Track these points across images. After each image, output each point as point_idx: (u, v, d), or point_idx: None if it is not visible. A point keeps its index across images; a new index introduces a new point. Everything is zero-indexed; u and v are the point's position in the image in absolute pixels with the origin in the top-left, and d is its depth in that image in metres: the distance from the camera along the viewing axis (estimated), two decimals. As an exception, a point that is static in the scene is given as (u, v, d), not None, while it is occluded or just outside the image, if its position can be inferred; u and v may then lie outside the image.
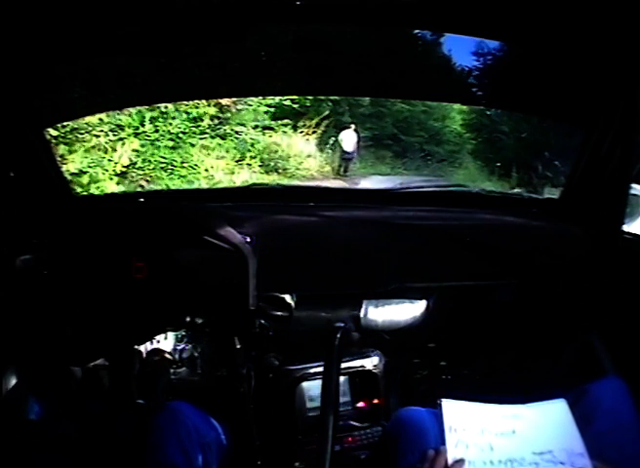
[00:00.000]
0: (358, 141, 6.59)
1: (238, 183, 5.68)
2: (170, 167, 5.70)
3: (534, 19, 1.05)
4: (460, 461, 0.83)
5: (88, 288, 1.18)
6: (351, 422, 1.22)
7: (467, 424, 0.89)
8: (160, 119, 5.70)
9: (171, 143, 5.76)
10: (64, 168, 4.18)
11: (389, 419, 1.08)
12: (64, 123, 4.57)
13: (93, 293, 1.18)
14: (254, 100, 6.04)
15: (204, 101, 5.64)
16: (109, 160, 5.32)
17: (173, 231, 1.16)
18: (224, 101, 5.83)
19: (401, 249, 1.26)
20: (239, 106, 6.18)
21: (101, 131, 5.34)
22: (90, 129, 5.24)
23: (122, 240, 1.17)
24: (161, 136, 5.72)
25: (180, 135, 5.84)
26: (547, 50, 1.24)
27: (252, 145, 6.24)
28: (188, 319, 1.20)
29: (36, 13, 0.96)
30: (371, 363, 1.24)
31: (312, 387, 1.18)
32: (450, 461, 0.83)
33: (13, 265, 1.14)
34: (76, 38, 1.09)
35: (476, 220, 1.36)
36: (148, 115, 5.58)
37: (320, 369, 1.09)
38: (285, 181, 5.93)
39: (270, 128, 6.39)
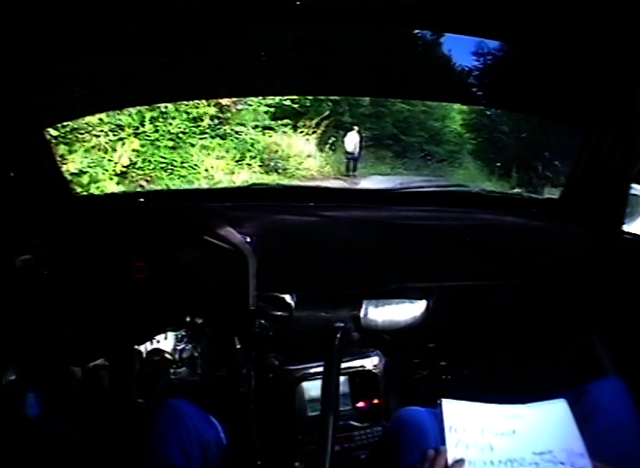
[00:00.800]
0: (360, 142, 6.61)
1: (238, 183, 5.67)
2: (170, 167, 5.70)
3: (534, 19, 1.05)
4: (460, 461, 0.83)
5: (88, 288, 1.18)
6: (351, 422, 1.22)
7: (467, 424, 0.89)
8: (160, 119, 5.70)
9: (171, 143, 5.76)
10: (64, 168, 4.18)
11: (389, 419, 1.08)
12: (64, 123, 4.57)
13: (93, 294, 1.18)
14: (254, 100, 6.04)
15: (204, 101, 5.64)
16: (109, 160, 5.32)
17: (173, 231, 1.16)
18: (224, 101, 5.83)
19: (401, 249, 1.26)
20: (239, 106, 6.17)
21: (101, 131, 5.34)
22: (90, 129, 5.24)
23: (122, 240, 1.17)
24: (161, 136, 5.72)
25: (180, 135, 5.84)
26: (547, 50, 1.24)
27: (252, 145, 6.24)
28: (188, 319, 1.20)
29: (36, 13, 0.96)
30: (371, 363, 1.23)
31: (312, 387, 1.18)
32: (450, 461, 0.83)
33: (13, 265, 1.14)
34: (76, 38, 1.09)
35: (476, 220, 1.36)
36: (148, 115, 5.58)
37: (320, 369, 1.09)
38: (285, 181, 5.93)
39: (270, 128, 6.39)
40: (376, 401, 1.24)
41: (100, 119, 5.27)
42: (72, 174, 4.82)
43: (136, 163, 5.51)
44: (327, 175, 6.62)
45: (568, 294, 1.29)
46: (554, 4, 0.99)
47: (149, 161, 5.59)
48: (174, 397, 1.07)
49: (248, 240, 1.13)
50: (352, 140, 6.50)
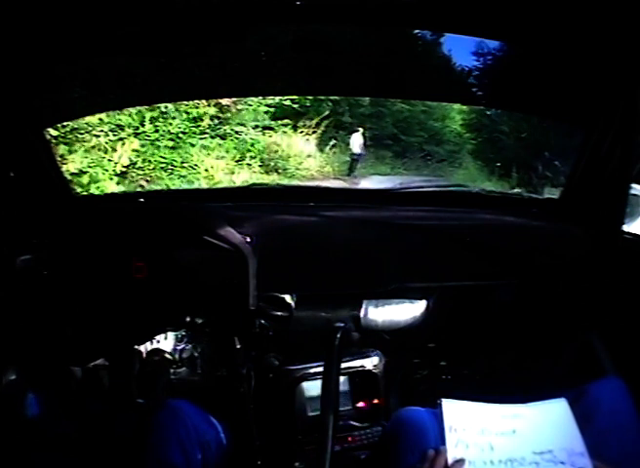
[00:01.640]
0: (365, 143, 6.61)
1: (238, 183, 5.67)
2: (170, 167, 5.70)
3: (534, 19, 1.05)
4: (461, 461, 0.83)
5: (88, 288, 1.18)
6: (351, 422, 1.22)
7: (467, 424, 0.89)
8: (160, 119, 5.70)
9: (171, 143, 5.76)
10: (64, 168, 4.18)
11: (389, 419, 1.08)
12: (64, 123, 4.57)
13: (93, 294, 1.18)
14: (254, 100, 6.03)
15: (204, 101, 5.64)
16: (109, 160, 5.32)
17: (173, 231, 1.16)
18: (224, 101, 5.83)
19: (401, 249, 1.26)
20: (239, 106, 6.17)
21: (101, 131, 5.34)
22: (90, 129, 5.24)
23: (122, 240, 1.17)
24: (161, 136, 5.72)
25: (180, 135, 5.84)
26: (547, 50, 1.24)
27: (252, 145, 6.24)
28: (188, 319, 1.20)
29: (36, 13, 0.96)
30: (371, 363, 1.23)
31: (312, 387, 1.18)
32: (450, 461, 0.83)
33: (13, 265, 1.14)
34: (76, 38, 1.09)
35: (476, 220, 1.36)
36: (148, 115, 5.58)
37: (320, 369, 1.09)
38: (285, 181, 5.92)
39: (270, 128, 6.39)
40: (376, 401, 1.24)
41: (100, 119, 5.27)
42: (72, 174, 4.82)
43: (136, 163, 5.50)
44: (327, 175, 6.62)
45: (568, 295, 1.29)
46: (554, 4, 0.99)
47: (149, 161, 5.59)
48: (174, 397, 1.08)
49: (248, 240, 1.13)
50: (357, 141, 6.50)
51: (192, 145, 5.90)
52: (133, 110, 5.36)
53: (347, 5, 1.07)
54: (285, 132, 6.55)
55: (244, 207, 1.34)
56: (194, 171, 5.82)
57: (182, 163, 5.78)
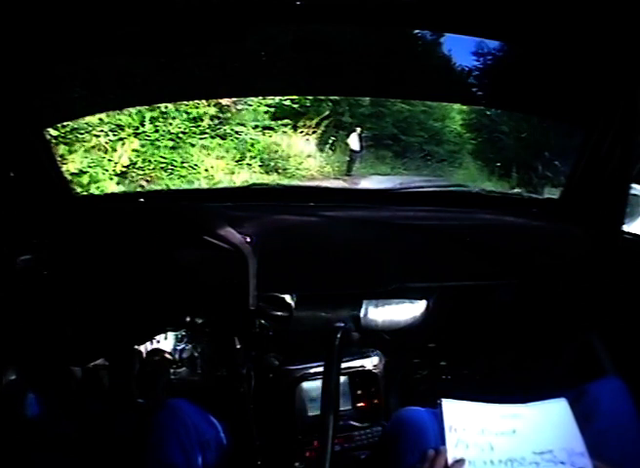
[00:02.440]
0: (361, 142, 6.62)
1: (238, 183, 5.67)
2: (170, 167, 5.70)
3: (534, 19, 1.05)
4: (461, 461, 0.83)
5: (88, 288, 1.18)
6: (351, 422, 1.22)
7: (467, 424, 0.89)
8: (160, 119, 5.70)
9: (171, 143, 5.76)
10: (64, 168, 4.18)
11: (389, 419, 1.08)
12: (64, 123, 4.56)
13: (93, 294, 1.18)
14: (254, 100, 6.03)
15: (204, 101, 5.64)
16: (109, 160, 5.32)
17: (173, 231, 1.16)
18: (224, 101, 5.83)
19: (401, 249, 1.26)
20: (239, 106, 6.17)
21: (101, 131, 5.34)
22: (90, 129, 5.23)
23: (122, 240, 1.17)
24: (161, 136, 5.72)
25: (180, 135, 5.84)
26: (547, 50, 1.24)
27: (252, 145, 6.24)
28: (188, 319, 1.20)
29: (36, 13, 0.96)
30: (371, 363, 1.23)
31: (312, 387, 1.18)
32: (450, 461, 0.83)
33: (13, 265, 1.14)
34: (76, 38, 1.09)
35: (476, 220, 1.36)
36: (148, 115, 5.58)
37: (320, 369, 1.09)
38: (285, 181, 5.92)
39: (270, 128, 6.38)
40: (376, 401, 1.24)
41: (100, 119, 5.26)
42: (72, 174, 4.82)
43: (136, 163, 5.50)
44: (327, 175, 6.61)
45: (568, 295, 1.29)
46: (554, 4, 0.99)
47: (149, 161, 5.59)
48: (174, 397, 1.08)
49: (248, 240, 1.13)
50: (354, 141, 6.51)
51: (192, 145, 5.90)
52: (133, 110, 5.36)
53: (347, 5, 1.07)
54: (285, 132, 6.54)
55: (244, 207, 1.34)
56: (194, 171, 5.82)
57: (182, 163, 5.78)
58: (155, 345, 1.27)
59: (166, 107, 5.55)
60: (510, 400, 0.94)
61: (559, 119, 1.98)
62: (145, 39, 1.17)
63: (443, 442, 0.87)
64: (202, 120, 5.95)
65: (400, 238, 1.28)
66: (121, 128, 5.47)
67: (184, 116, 5.82)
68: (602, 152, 1.22)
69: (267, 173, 6.21)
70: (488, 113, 7.72)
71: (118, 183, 5.26)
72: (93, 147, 5.28)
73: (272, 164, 6.31)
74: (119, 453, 1.12)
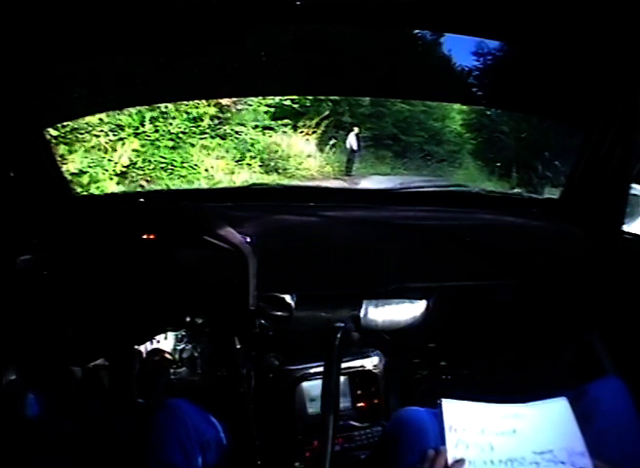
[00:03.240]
0: (358, 142, 6.61)
1: (238, 183, 5.67)
2: (170, 167, 5.70)
3: (534, 19, 1.05)
4: (461, 461, 0.83)
5: (88, 288, 1.18)
6: (351, 422, 1.22)
7: (467, 424, 0.89)
8: (160, 119, 5.70)
9: (171, 143, 5.76)
10: (64, 168, 4.17)
11: (389, 419, 1.08)
12: (64, 123, 4.56)
13: (93, 293, 1.18)
14: (254, 100, 6.03)
15: (204, 101, 5.64)
16: (109, 160, 5.32)
17: (173, 231, 1.16)
18: (224, 101, 5.82)
19: (401, 249, 1.26)
20: (239, 106, 6.17)
21: (101, 131, 5.34)
22: (90, 129, 5.23)
23: (122, 240, 1.17)
24: (161, 136, 5.72)
25: (180, 135, 5.83)
26: (547, 50, 1.24)
27: (252, 145, 6.23)
28: (188, 319, 1.20)
29: (36, 13, 0.96)
30: (371, 363, 1.23)
31: (312, 387, 1.18)
32: (450, 461, 0.83)
33: (13, 265, 1.14)
34: (76, 38, 1.09)
35: (476, 220, 1.36)
36: (148, 115, 5.57)
37: (320, 369, 1.09)
38: (285, 181, 5.91)
39: (270, 128, 6.38)
40: (376, 401, 1.24)
41: (100, 119, 5.26)
42: (72, 174, 4.81)
43: (136, 163, 5.50)
44: (327, 175, 6.61)
45: (568, 295, 1.29)
46: (554, 4, 0.99)
47: (149, 161, 5.59)
48: (174, 397, 1.08)
49: (248, 240, 1.13)
50: (352, 140, 6.51)
51: (192, 145, 5.90)
52: (133, 110, 5.36)
53: (347, 5, 1.07)
54: (285, 132, 6.54)
55: (244, 207, 1.34)
56: (194, 171, 5.82)
57: (182, 163, 5.77)
58: (155, 345, 1.28)
59: (166, 107, 5.55)
60: (510, 400, 0.94)
61: (559, 119, 1.98)
62: (145, 39, 1.17)
63: (443, 442, 0.87)
64: (202, 120, 5.95)
65: (400, 238, 1.28)
66: (121, 128, 5.47)
67: (184, 116, 5.82)
68: (602, 152, 1.22)
69: (267, 173, 6.21)
70: (488, 113, 7.71)
71: (118, 183, 5.26)
72: (93, 147, 5.28)
73: (272, 164, 6.30)
74: (119, 453, 1.12)
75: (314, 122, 6.60)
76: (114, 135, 5.42)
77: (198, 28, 1.17)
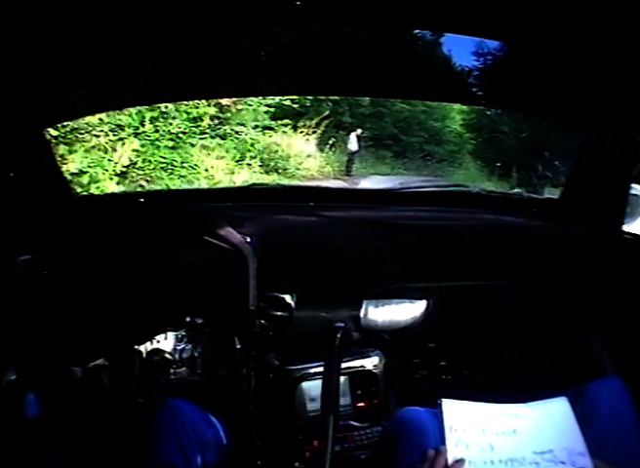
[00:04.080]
0: (359, 143, 6.62)
1: (238, 183, 5.67)
2: (170, 167, 5.70)
3: (534, 19, 1.05)
4: (461, 461, 0.83)
5: (88, 288, 1.18)
6: (351, 422, 1.22)
7: (468, 424, 0.89)
8: (160, 119, 5.70)
9: (171, 143, 5.76)
10: (64, 168, 4.18)
11: (389, 419, 1.08)
12: (64, 123, 4.56)
13: (93, 294, 1.18)
14: (254, 100, 6.03)
15: (204, 101, 5.64)
16: (109, 160, 5.32)
17: (173, 231, 1.16)
18: (224, 101, 5.82)
19: (401, 249, 1.26)
20: (239, 106, 6.17)
21: (101, 131, 5.34)
22: (90, 129, 5.23)
23: (122, 240, 1.17)
24: (161, 136, 5.72)
25: (180, 135, 5.83)
26: (547, 50, 1.24)
27: (252, 145, 6.23)
28: (188, 319, 1.20)
29: (36, 13, 0.96)
30: (371, 363, 1.24)
31: (312, 387, 1.18)
32: (450, 461, 0.83)
33: (13, 265, 1.14)
34: (76, 38, 1.09)
35: (476, 220, 1.36)
36: (148, 115, 5.57)
37: (320, 369, 1.09)
38: (285, 181, 5.91)
39: (270, 128, 6.38)
40: (376, 401, 1.24)
41: (100, 119, 5.26)
42: (72, 174, 4.82)
43: (136, 163, 5.50)
44: (327, 175, 6.61)
45: (568, 294, 1.29)
46: (554, 4, 0.99)
47: (149, 161, 5.59)
48: (174, 397, 1.08)
49: (248, 240, 1.13)
50: (352, 140, 6.51)
51: (192, 145, 5.90)
52: (133, 110, 5.36)
53: (347, 5, 1.07)
54: (285, 132, 6.54)
55: (244, 207, 1.34)
56: (194, 171, 5.82)
57: (182, 163, 5.78)
58: (155, 345, 1.27)
59: (166, 107, 5.55)
60: (510, 400, 0.94)
61: (559, 119, 1.98)
62: (145, 39, 1.17)
63: (443, 442, 0.87)
64: (202, 120, 5.95)
65: (400, 238, 1.28)
66: (121, 128, 5.47)
67: (184, 116, 5.82)
68: (602, 152, 1.22)
69: (267, 173, 6.21)
70: (488, 113, 7.71)
71: (118, 183, 5.26)
72: (93, 147, 5.28)
73: (272, 164, 6.31)
74: (119, 453, 1.12)
75: (314, 122, 6.61)
76: (114, 135, 5.42)
77: (198, 28, 1.17)
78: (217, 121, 6.06)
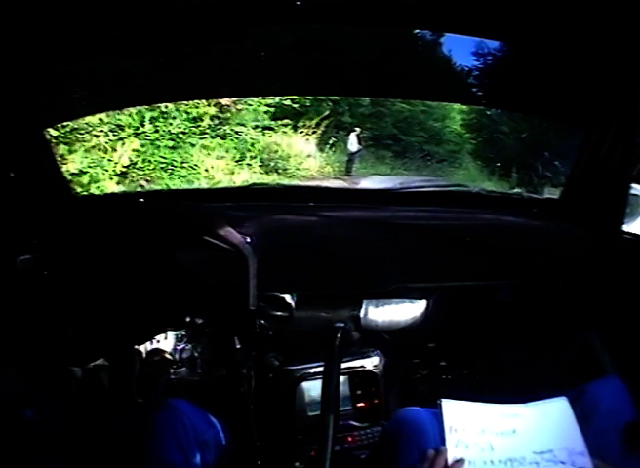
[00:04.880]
0: (359, 143, 6.62)
1: (238, 183, 5.67)
2: (170, 167, 5.70)
3: (534, 19, 1.05)
4: (461, 461, 0.83)
5: (88, 288, 1.18)
6: (351, 422, 1.22)
7: (467, 424, 0.89)
8: (160, 119, 5.70)
9: (171, 143, 5.76)
10: (64, 168, 4.18)
11: (389, 419, 1.08)
12: (64, 123, 4.57)
13: (93, 294, 1.18)
14: (254, 100, 6.03)
15: (204, 101, 5.64)
16: (109, 160, 5.32)
17: (173, 231, 1.16)
18: (224, 101, 5.82)
19: (401, 249, 1.26)
20: (239, 106, 6.17)
21: (101, 131, 5.34)
22: (90, 129, 5.23)
23: (122, 240, 1.17)
24: (161, 136, 5.72)
25: (180, 135, 5.83)
26: (547, 50, 1.24)
27: (252, 145, 6.23)
28: (188, 319, 1.20)
29: (36, 13, 0.96)
30: (371, 363, 1.23)
31: (312, 387, 1.18)
32: (450, 461, 0.83)
33: (13, 265, 1.14)
34: (76, 38, 1.09)
35: (476, 220, 1.36)
36: (148, 115, 5.57)
37: (320, 369, 1.09)
38: (285, 181, 5.91)
39: (270, 128, 6.38)
40: (376, 401, 1.24)
41: (100, 119, 5.26)
42: (72, 174, 4.82)
43: (136, 163, 5.50)
44: (327, 175, 6.61)
45: (568, 294, 1.29)
46: (554, 4, 0.99)
47: (149, 161, 5.59)
48: (173, 397, 1.08)
49: (248, 240, 1.13)
50: (352, 140, 6.52)
51: (192, 145, 5.90)
52: (133, 110, 5.36)
53: (347, 5, 1.07)
54: (285, 132, 6.54)
55: (244, 207, 1.34)
56: (194, 171, 5.82)
57: (182, 163, 5.78)
58: (155, 345, 1.27)
59: (166, 107, 5.55)
60: (510, 400, 0.94)
61: (559, 119, 1.98)
62: (145, 39, 1.17)
63: (443, 442, 0.87)
64: (202, 120, 5.95)
65: (400, 238, 1.28)
66: (121, 128, 5.47)
67: (184, 116, 5.82)
68: (602, 152, 1.22)
69: (267, 173, 6.21)
70: (488, 113, 7.71)
71: (118, 183, 5.26)
72: (93, 147, 5.28)
73: (272, 164, 6.30)
74: (119, 453, 1.12)
75: (314, 122, 6.61)
76: (114, 135, 5.42)
77: (198, 28, 1.17)
78: (217, 121, 6.06)
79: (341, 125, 6.82)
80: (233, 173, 5.99)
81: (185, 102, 5.50)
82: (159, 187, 5.38)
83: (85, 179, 5.00)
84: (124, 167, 5.40)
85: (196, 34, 1.21)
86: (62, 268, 1.17)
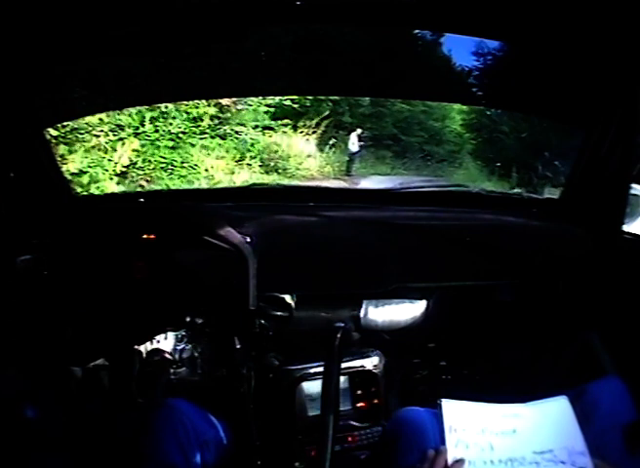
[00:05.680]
0: (360, 141, 6.62)
1: (238, 183, 5.67)
2: (170, 167, 5.69)
3: (534, 19, 1.05)
4: (461, 461, 0.83)
5: (88, 288, 1.18)
6: (351, 422, 1.22)
7: (467, 424, 0.89)
8: (160, 119, 5.69)
9: (171, 143, 5.75)
10: (64, 168, 4.18)
11: (389, 419, 1.08)
12: (64, 123, 4.56)
13: (93, 294, 1.18)
14: (254, 100, 6.03)
15: (204, 101, 5.64)
16: (109, 160, 5.32)
17: (173, 231, 1.16)
18: (224, 101, 5.82)
19: (401, 249, 1.26)
20: (239, 106, 6.17)
21: (101, 131, 5.33)
22: (90, 129, 5.23)
23: (122, 240, 1.17)
24: (161, 136, 5.71)
25: (180, 135, 5.83)
26: (547, 50, 1.24)
27: (252, 145, 6.23)
28: (188, 319, 1.20)
29: (36, 13, 0.96)
30: (371, 363, 1.23)
31: (312, 387, 1.18)
32: (450, 461, 0.83)
33: (13, 265, 1.14)
34: (76, 38, 1.09)
35: (476, 220, 1.36)
36: (148, 115, 5.57)
37: (320, 369, 1.09)
38: (285, 181, 5.91)
39: (270, 128, 6.38)
40: (376, 401, 1.24)
41: (100, 119, 5.26)
42: (72, 174, 4.81)
43: (136, 163, 5.50)
44: (327, 175, 6.60)
45: (568, 294, 1.29)
46: (554, 4, 0.99)
47: (149, 161, 5.58)
48: (173, 397, 1.07)
49: (248, 240, 1.13)
50: (353, 140, 6.52)
51: (192, 145, 5.89)
52: (133, 110, 5.36)
53: (347, 5, 1.07)
54: (285, 132, 6.54)
55: (244, 207, 1.34)
56: (194, 171, 5.82)
57: (182, 163, 5.77)
58: (155, 345, 1.27)
59: (166, 107, 5.55)
60: (510, 400, 0.94)
61: (559, 119, 1.97)
62: (145, 39, 1.17)
63: (443, 442, 0.87)
64: (202, 120, 5.94)
65: (400, 238, 1.28)
66: (121, 128, 5.47)
67: (184, 116, 5.81)
68: (602, 152, 1.22)
69: (267, 173, 6.20)
70: (488, 113, 7.71)
71: (118, 183, 5.26)
72: (93, 147, 5.28)
73: (272, 164, 6.30)
74: (119, 453, 1.12)
75: (314, 122, 6.60)
76: (114, 135, 5.42)
77: (198, 28, 1.17)
78: (217, 121, 6.06)
79: (342, 125, 6.82)
80: (233, 173, 5.99)
81: (185, 102, 5.49)
82: (159, 187, 5.37)
83: (85, 179, 5.00)
84: (124, 167, 5.40)
85: (196, 34, 1.21)
86: (62, 268, 1.17)
